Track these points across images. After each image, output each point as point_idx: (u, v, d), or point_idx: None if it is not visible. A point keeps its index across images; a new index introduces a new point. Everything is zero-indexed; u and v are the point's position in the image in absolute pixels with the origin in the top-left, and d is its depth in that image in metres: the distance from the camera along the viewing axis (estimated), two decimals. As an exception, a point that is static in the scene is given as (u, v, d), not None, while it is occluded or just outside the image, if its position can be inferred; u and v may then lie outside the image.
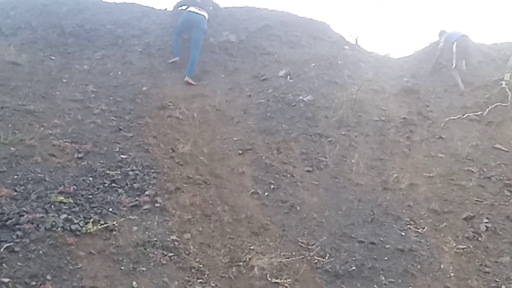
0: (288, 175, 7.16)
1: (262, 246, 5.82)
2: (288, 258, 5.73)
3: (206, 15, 10.46)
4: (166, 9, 11.66)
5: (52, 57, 9.40)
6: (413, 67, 10.76)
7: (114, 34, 10.54)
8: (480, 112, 8.61)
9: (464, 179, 7.28)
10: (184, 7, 10.77)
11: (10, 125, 6.72)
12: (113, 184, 5.99)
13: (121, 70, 9.49)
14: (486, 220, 6.54)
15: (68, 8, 10.92)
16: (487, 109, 8.58)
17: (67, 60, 9.43)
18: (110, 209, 5.52)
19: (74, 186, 5.70)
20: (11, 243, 4.57)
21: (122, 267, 4.84)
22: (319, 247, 5.95)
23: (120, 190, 5.92)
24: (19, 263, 4.40)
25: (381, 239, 6.17)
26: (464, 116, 8.60)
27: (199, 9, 10.40)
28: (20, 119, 7.00)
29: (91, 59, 9.69)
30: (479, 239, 6.29)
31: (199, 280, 5.05)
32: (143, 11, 11.43)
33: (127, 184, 6.05)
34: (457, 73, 10.09)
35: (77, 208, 5.35)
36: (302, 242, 6.03)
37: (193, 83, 9.76)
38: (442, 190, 7.12)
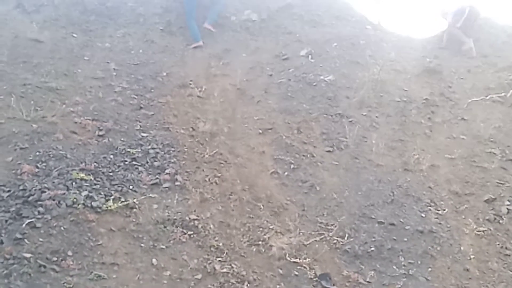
0: (308, 155, 7.14)
1: (281, 226, 5.83)
2: (307, 238, 5.74)
3: None
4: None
5: (74, 35, 9.42)
6: (436, 47, 10.65)
7: (136, 12, 10.54)
8: (503, 94, 8.49)
9: (486, 161, 7.21)
10: None
11: (32, 102, 6.77)
12: (134, 162, 6.02)
13: (142, 48, 9.50)
14: (507, 203, 6.47)
15: (91, -14, 10.93)
16: (511, 91, 8.47)
17: (89, 38, 9.46)
18: (131, 187, 5.55)
19: (95, 164, 5.74)
20: (33, 219, 4.62)
21: (142, 245, 4.88)
22: (338, 228, 5.94)
23: (140, 168, 5.95)
24: (40, 239, 4.45)
25: (401, 220, 6.14)
26: (487, 98, 8.50)
27: None
28: (42, 96, 7.05)
29: (113, 37, 9.70)
30: (500, 221, 6.24)
31: (218, 259, 5.07)
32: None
33: (147, 162, 6.08)
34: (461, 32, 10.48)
35: (98, 185, 5.40)
36: (321, 223, 6.02)
37: (213, 29, 10.01)
38: (464, 172, 7.07)
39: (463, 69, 9.55)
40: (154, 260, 4.74)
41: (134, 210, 5.24)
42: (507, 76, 8.96)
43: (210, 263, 4.97)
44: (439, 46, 10.70)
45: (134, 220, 5.12)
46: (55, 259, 4.32)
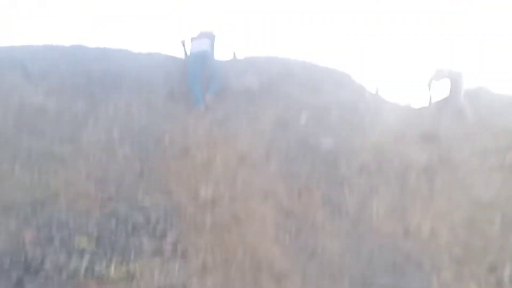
0: (309, 221, 7.16)
1: (283, 293, 5.82)
2: (309, 305, 5.73)
3: (207, 47, 10.99)
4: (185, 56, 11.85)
5: (79, 102, 9.56)
6: (434, 114, 10.77)
7: (139, 79, 10.68)
8: (502, 159, 8.57)
9: (487, 226, 7.21)
10: (188, 46, 11.23)
11: (36, 169, 6.84)
12: (136, 229, 6.06)
13: (145, 115, 9.61)
14: (509, 269, 6.46)
15: (96, 55, 11.12)
16: (509, 156, 8.53)
17: (93, 105, 9.58)
18: (132, 254, 5.58)
19: (97, 230, 5.78)
20: (35, 288, 4.64)
21: (144, 312, 4.88)
22: (340, 294, 5.93)
23: (142, 235, 5.98)
24: (42, 308, 4.47)
25: (403, 286, 6.13)
26: (486, 163, 8.57)
27: (200, 45, 10.90)
28: (46, 163, 7.12)
29: (116, 104, 9.82)
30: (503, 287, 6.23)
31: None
32: (168, 59, 11.59)
33: (149, 229, 6.12)
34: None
35: (99, 253, 5.43)
36: (323, 289, 6.01)
37: (214, 101, 10.17)
38: (465, 237, 7.07)
39: (461, 134, 9.63)
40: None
41: (136, 277, 5.25)
42: (505, 141, 9.03)
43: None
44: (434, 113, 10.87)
45: (136, 287, 5.13)
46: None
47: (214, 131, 9.45)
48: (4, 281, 4.69)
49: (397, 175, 8.36)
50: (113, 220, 6.12)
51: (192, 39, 11.25)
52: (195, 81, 10.51)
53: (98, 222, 6.00)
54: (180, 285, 5.32)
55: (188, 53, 11.20)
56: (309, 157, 8.59)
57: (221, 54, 11.63)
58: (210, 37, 11.26)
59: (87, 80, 10.25)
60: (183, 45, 11.37)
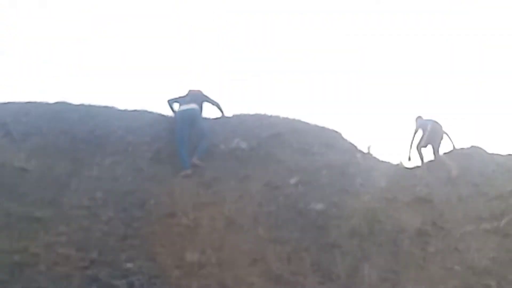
0: (299, 287, 6.97)
1: None
2: None
3: (196, 106, 10.98)
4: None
5: (62, 163, 9.41)
6: (426, 175, 10.68)
7: (125, 140, 10.57)
8: (496, 223, 8.43)
9: (483, 293, 7.05)
10: (176, 105, 11.21)
11: (15, 232, 6.66)
12: (118, 295, 5.83)
13: (130, 177, 9.46)
14: None
15: (80, 114, 11.03)
16: (503, 221, 8.40)
17: (76, 167, 9.44)
18: (114, 322, 5.34)
19: (78, 297, 5.55)
20: None
21: None
22: None
23: (125, 301, 5.75)
24: None
25: None
26: (480, 227, 8.43)
27: (189, 104, 10.88)
28: (26, 226, 6.96)
29: (101, 165, 9.69)
30: None
31: None
32: (154, 118, 11.53)
33: (132, 295, 5.89)
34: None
35: (79, 320, 5.19)
36: None
37: (202, 164, 10.02)
38: (460, 304, 6.89)
39: (454, 197, 9.52)
40: None
41: None
42: (498, 205, 8.92)
43: None
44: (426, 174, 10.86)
45: None
46: None
47: (201, 193, 9.32)
48: None
49: (389, 239, 8.20)
50: (94, 286, 5.91)
51: (180, 97, 11.26)
52: (182, 143, 10.43)
53: (79, 288, 5.78)
54: None
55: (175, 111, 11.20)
56: (299, 221, 8.44)
57: (208, 112, 11.66)
58: (199, 96, 11.28)
59: (71, 141, 10.13)
60: (170, 105, 11.34)
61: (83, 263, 6.34)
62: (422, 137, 11.82)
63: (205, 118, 11.26)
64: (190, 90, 11.51)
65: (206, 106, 11.43)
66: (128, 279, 6.19)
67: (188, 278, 6.63)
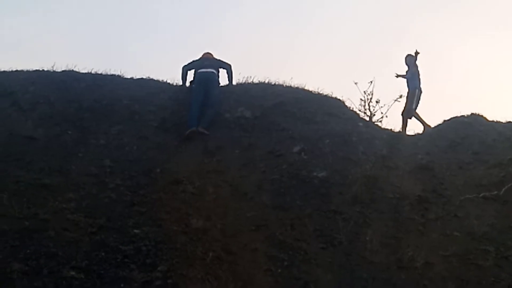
0: (302, 252, 7.07)
1: (275, 326, 5.72)
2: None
3: (215, 71, 11.37)
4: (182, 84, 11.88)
5: (69, 132, 9.49)
6: (427, 144, 10.73)
7: (131, 109, 10.64)
8: (495, 191, 8.52)
9: (481, 258, 7.14)
10: (192, 71, 11.55)
11: (24, 199, 6.77)
12: (126, 260, 5.95)
13: (136, 145, 9.56)
14: (504, 302, 6.39)
15: (86, 84, 11.09)
16: (503, 188, 8.49)
17: (83, 135, 9.52)
18: (122, 285, 5.47)
19: (87, 261, 5.67)
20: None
21: None
22: (333, 327, 5.83)
23: (132, 266, 5.87)
24: None
25: (397, 319, 6.04)
26: (480, 195, 8.51)
27: (207, 68, 11.27)
28: (35, 193, 7.05)
29: (107, 133, 9.77)
30: (498, 321, 6.14)
31: None
32: (160, 87, 11.59)
33: (139, 260, 6.01)
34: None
35: (88, 284, 5.32)
36: (315, 322, 5.91)
37: (207, 132, 10.21)
38: (459, 269, 6.98)
39: (454, 165, 9.60)
40: None
41: (125, 309, 5.15)
42: (498, 173, 9.00)
43: None
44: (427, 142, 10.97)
45: (124, 319, 5.03)
46: None
47: (205, 161, 9.41)
48: (-10, 313, 4.59)
49: (390, 206, 8.30)
50: (102, 251, 6.02)
51: (195, 62, 11.61)
52: (196, 103, 10.69)
53: (87, 253, 5.90)
54: (170, 317, 5.22)
55: (191, 76, 11.63)
56: (302, 189, 8.54)
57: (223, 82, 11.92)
58: (215, 62, 11.52)
59: (78, 110, 10.20)
60: (185, 72, 11.51)
61: (91, 229, 6.43)
62: (416, 100, 12.19)
63: (219, 86, 11.51)
64: (204, 53, 11.68)
65: (221, 72, 11.72)
66: (135, 245, 6.27)
67: (193, 243, 6.71)
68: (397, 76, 13.59)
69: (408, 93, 13.14)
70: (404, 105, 13.20)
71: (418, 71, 13.12)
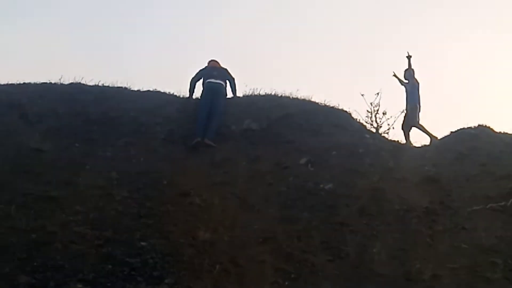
0: (309, 265, 7.05)
1: None
2: None
3: (223, 83, 11.46)
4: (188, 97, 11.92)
5: (76, 144, 9.55)
6: (434, 156, 10.72)
7: (138, 121, 10.69)
8: (503, 203, 8.47)
9: (489, 271, 7.08)
10: (200, 81, 11.62)
11: (32, 211, 6.79)
12: (133, 272, 5.95)
13: (143, 157, 9.59)
14: (512, 316, 6.35)
15: (94, 96, 11.17)
16: (511, 200, 8.45)
17: (91, 147, 9.57)
18: (129, 298, 5.47)
19: (93, 274, 5.68)
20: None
21: None
22: None
23: (139, 278, 5.87)
24: None
25: (404, 332, 6.01)
26: (487, 207, 8.47)
27: (216, 79, 11.33)
28: (43, 205, 7.07)
29: (115, 146, 9.81)
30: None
31: None
32: (167, 99, 11.66)
33: (146, 272, 6.01)
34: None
35: (95, 297, 5.32)
36: (323, 335, 5.89)
37: (213, 144, 10.28)
38: (467, 282, 6.93)
39: (461, 177, 9.57)
40: None
41: (132, 322, 5.14)
42: (506, 185, 8.96)
43: None
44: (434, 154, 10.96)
45: (132, 333, 5.02)
46: None
47: (212, 174, 9.43)
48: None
49: (397, 218, 8.28)
50: (109, 264, 6.02)
51: (202, 70, 11.70)
52: (203, 113, 10.83)
53: (94, 266, 5.90)
54: (177, 330, 5.21)
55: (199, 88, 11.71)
56: (309, 201, 8.53)
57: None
58: (223, 73, 11.62)
59: (85, 122, 10.26)
60: (193, 84, 11.57)
61: (98, 241, 6.43)
62: (417, 113, 12.30)
63: (225, 97, 11.62)
64: (210, 61, 11.76)
65: (229, 86, 11.90)
66: (142, 257, 6.27)
67: (201, 256, 6.71)
68: (394, 75, 13.59)
69: (408, 106, 13.19)
70: (403, 118, 13.25)
71: (418, 84, 13.16)
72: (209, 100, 11.07)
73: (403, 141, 12.85)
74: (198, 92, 11.76)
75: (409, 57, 13.46)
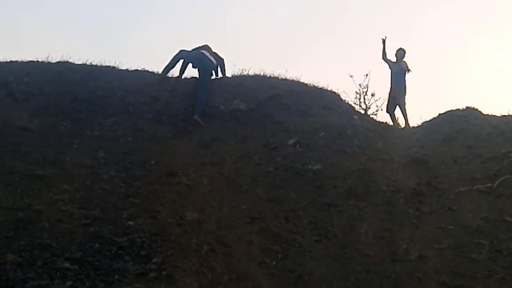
0: (296, 245, 7.08)
1: (269, 318, 5.72)
2: (296, 330, 5.63)
3: (214, 61, 11.46)
4: (178, 76, 11.88)
5: (64, 123, 9.49)
6: (422, 137, 10.78)
7: (126, 101, 10.65)
8: (489, 184, 8.53)
9: (475, 251, 7.15)
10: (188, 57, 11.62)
11: (18, 190, 6.74)
12: (120, 251, 5.93)
13: (131, 137, 9.55)
14: (498, 295, 6.40)
15: (81, 75, 11.09)
16: (497, 182, 8.51)
17: (78, 126, 9.52)
18: (116, 276, 5.45)
19: (81, 253, 5.65)
20: (15, 311, 4.51)
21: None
22: (327, 320, 5.84)
23: (126, 257, 5.85)
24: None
25: (391, 312, 6.06)
26: (474, 188, 8.53)
27: (209, 56, 11.39)
28: (29, 184, 7.02)
29: (102, 125, 9.77)
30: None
31: None
32: (155, 78, 11.59)
33: (134, 251, 5.99)
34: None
35: (82, 275, 5.29)
36: (309, 314, 5.92)
37: (202, 123, 10.28)
38: (452, 262, 6.99)
39: (449, 159, 9.63)
40: None
41: (119, 300, 5.14)
42: (492, 167, 9.02)
43: None
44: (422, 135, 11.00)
45: (119, 311, 5.02)
46: None
47: (200, 153, 9.41)
48: (-17, 304, 4.57)
49: (385, 199, 8.33)
50: (96, 243, 6.00)
51: (199, 47, 11.66)
52: (176, 61, 11.43)
53: (81, 245, 5.88)
54: (164, 309, 5.21)
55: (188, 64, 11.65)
56: (297, 181, 8.55)
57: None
58: (217, 58, 11.58)
59: (73, 101, 10.21)
60: (180, 56, 11.52)
61: (85, 220, 6.40)
62: (404, 95, 12.36)
63: (211, 75, 11.65)
64: (203, 45, 11.73)
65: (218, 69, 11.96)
66: (129, 237, 6.25)
67: (188, 235, 6.70)
68: (384, 41, 13.52)
69: (394, 87, 13.18)
70: (388, 99, 13.25)
71: (407, 68, 13.15)
72: (192, 63, 11.43)
73: (391, 122, 12.89)
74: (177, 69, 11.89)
75: (384, 39, 13.45)
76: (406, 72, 13.06)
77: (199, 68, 11.21)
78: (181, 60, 11.57)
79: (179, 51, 11.55)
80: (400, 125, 12.67)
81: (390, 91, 13.25)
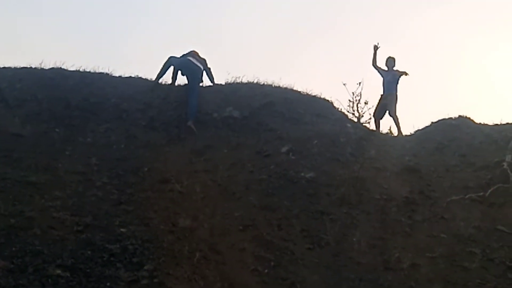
0: (289, 252, 7.08)
1: (262, 326, 5.71)
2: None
3: (201, 66, 11.41)
4: (171, 83, 11.88)
5: (56, 129, 9.46)
6: (415, 146, 10.82)
7: (119, 107, 10.63)
8: (482, 193, 8.56)
9: (467, 260, 7.16)
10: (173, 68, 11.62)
11: (10, 196, 6.71)
12: (112, 258, 5.91)
13: (124, 144, 9.54)
14: (490, 304, 6.41)
15: (75, 82, 11.07)
16: (489, 190, 8.54)
17: (71, 133, 9.50)
18: (108, 284, 5.43)
19: (72, 260, 5.63)
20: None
21: None
22: (319, 328, 5.83)
23: (118, 265, 5.83)
24: None
25: (383, 320, 6.05)
26: (466, 197, 8.56)
27: (196, 62, 11.32)
28: (21, 190, 7.00)
29: (95, 132, 9.75)
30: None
31: None
32: (148, 85, 11.58)
33: (126, 258, 5.97)
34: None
35: (74, 282, 5.27)
36: (302, 322, 5.91)
37: (194, 129, 10.25)
38: (445, 271, 7.00)
39: (441, 168, 9.66)
40: None
41: (111, 308, 5.12)
42: (485, 176, 9.07)
43: None
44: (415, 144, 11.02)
45: (110, 318, 5.00)
46: None
47: (194, 161, 9.41)
48: (-26, 311, 4.55)
49: (377, 207, 8.34)
50: (88, 250, 5.98)
51: (186, 54, 11.62)
52: (166, 70, 11.46)
53: (73, 252, 5.86)
54: (156, 317, 5.20)
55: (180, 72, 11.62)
56: (290, 189, 8.56)
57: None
58: (205, 64, 11.57)
59: (66, 108, 10.19)
60: (170, 63, 11.53)
61: (77, 227, 6.37)
62: (395, 104, 12.37)
63: (200, 81, 11.57)
64: (190, 51, 11.72)
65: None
66: (121, 243, 6.23)
67: (181, 243, 6.68)
68: (375, 48, 13.52)
69: (386, 95, 13.16)
70: (377, 105, 13.23)
71: (399, 75, 13.15)
72: (182, 70, 11.46)
73: (386, 130, 12.91)
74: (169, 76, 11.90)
75: (376, 46, 13.47)
76: (403, 75, 13.05)
77: (187, 75, 11.22)
78: (172, 67, 11.58)
79: (169, 58, 11.55)
80: (392, 133, 12.65)
81: (381, 98, 13.21)
